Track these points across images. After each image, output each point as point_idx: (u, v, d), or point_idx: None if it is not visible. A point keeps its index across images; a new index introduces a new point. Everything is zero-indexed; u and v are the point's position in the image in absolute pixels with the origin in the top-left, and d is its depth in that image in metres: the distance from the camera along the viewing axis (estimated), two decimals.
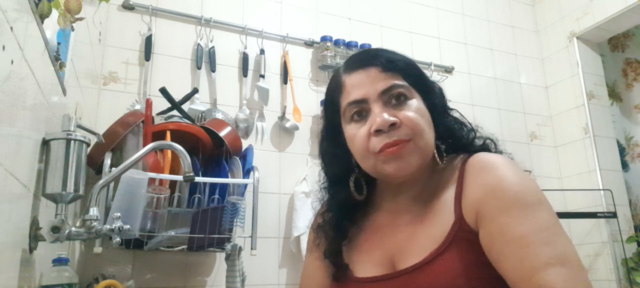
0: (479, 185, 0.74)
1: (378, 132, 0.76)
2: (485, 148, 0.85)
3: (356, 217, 0.89)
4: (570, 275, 0.63)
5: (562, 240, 0.67)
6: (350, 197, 0.85)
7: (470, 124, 0.87)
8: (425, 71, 0.89)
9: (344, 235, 0.87)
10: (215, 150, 1.80)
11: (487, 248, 0.71)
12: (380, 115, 0.76)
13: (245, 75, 2.09)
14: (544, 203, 0.71)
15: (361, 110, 0.80)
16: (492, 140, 0.86)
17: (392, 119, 0.75)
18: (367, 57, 0.83)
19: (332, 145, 0.87)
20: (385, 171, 0.78)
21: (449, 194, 0.78)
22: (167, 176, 1.59)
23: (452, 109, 0.87)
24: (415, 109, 0.78)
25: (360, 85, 0.79)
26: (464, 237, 0.73)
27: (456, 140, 0.84)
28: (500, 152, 0.84)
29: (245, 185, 1.78)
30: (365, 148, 0.78)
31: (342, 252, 0.86)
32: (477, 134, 0.86)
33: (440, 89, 0.87)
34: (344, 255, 0.87)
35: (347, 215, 0.88)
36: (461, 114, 0.88)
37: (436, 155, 0.81)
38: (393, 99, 0.78)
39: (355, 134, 0.80)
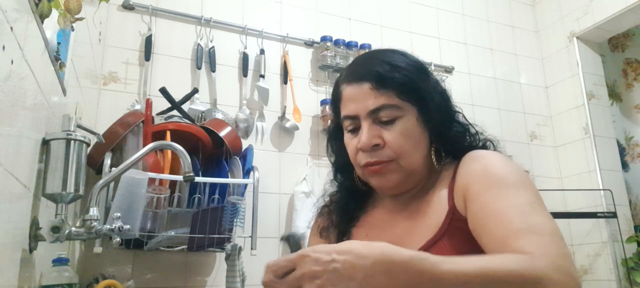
0: (467, 173, 0.77)
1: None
2: (483, 147, 0.87)
3: (360, 207, 0.94)
4: (543, 242, 0.63)
5: (541, 214, 0.68)
6: (355, 185, 0.92)
7: (474, 128, 0.89)
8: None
9: (350, 215, 0.92)
10: (215, 150, 1.80)
11: (472, 228, 0.73)
12: (366, 135, 0.80)
13: (245, 75, 2.09)
14: (527, 185, 0.73)
15: (354, 124, 0.84)
16: (491, 141, 0.89)
17: (375, 140, 0.80)
18: (363, 69, 0.84)
19: (337, 140, 0.92)
20: (371, 183, 0.85)
21: (445, 188, 0.82)
22: (167, 176, 1.59)
23: (457, 112, 0.89)
24: (402, 129, 0.80)
25: (354, 100, 0.83)
26: (458, 226, 0.76)
27: (457, 147, 0.86)
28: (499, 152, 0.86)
29: (245, 185, 1.78)
30: (354, 159, 0.85)
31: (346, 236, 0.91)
32: (481, 137, 0.88)
33: (444, 95, 0.88)
34: None
35: (353, 199, 0.94)
36: (465, 117, 0.89)
37: (434, 158, 0.84)
38: (382, 118, 0.81)
39: (348, 143, 0.85)
